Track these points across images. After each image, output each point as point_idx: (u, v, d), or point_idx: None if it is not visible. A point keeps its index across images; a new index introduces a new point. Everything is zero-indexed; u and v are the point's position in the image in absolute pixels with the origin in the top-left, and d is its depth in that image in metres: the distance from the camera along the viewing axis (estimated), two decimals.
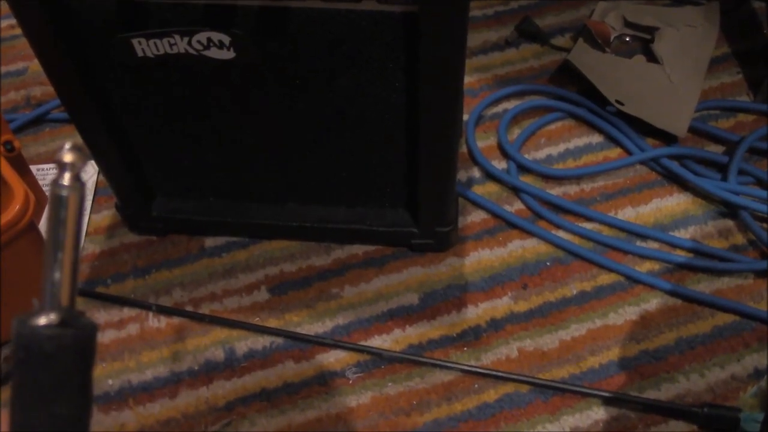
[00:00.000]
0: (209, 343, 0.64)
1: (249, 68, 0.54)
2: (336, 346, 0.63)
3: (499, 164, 0.74)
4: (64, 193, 0.22)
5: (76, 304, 0.23)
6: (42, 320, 0.22)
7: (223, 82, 0.55)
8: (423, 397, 0.60)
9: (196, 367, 0.62)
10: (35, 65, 0.86)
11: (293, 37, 0.51)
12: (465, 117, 0.77)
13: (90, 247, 0.70)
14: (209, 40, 0.51)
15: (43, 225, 0.70)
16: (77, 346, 0.22)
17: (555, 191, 0.72)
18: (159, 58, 0.53)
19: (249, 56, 0.52)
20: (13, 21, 0.90)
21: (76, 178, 0.22)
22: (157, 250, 0.69)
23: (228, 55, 0.52)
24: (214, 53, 0.52)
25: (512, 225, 0.70)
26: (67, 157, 0.22)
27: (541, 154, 0.75)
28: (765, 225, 0.68)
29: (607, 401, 0.59)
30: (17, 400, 0.22)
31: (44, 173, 0.75)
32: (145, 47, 0.52)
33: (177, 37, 0.51)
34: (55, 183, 0.22)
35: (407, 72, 0.53)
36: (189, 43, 0.51)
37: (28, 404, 0.22)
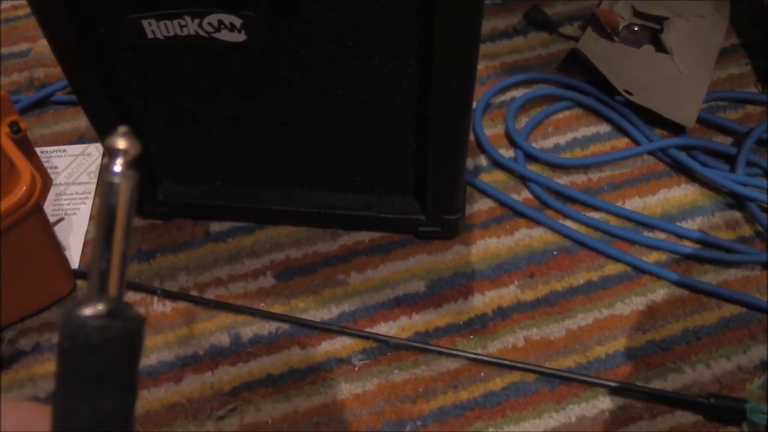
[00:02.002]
0: (214, 328, 0.63)
1: (260, 51, 0.53)
2: (342, 332, 0.63)
3: (507, 153, 0.74)
4: (116, 180, 0.21)
5: (124, 295, 0.22)
6: (89, 310, 0.21)
7: (233, 65, 0.55)
8: (429, 384, 0.60)
9: (201, 352, 0.62)
10: (39, 47, 0.85)
11: (305, 21, 0.51)
12: (473, 105, 0.76)
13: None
14: (220, 22, 0.51)
15: (48, 207, 0.69)
16: (124, 338, 0.21)
17: (562, 180, 0.72)
18: (169, 40, 0.52)
19: (260, 39, 0.52)
20: (16, 2, 0.90)
21: (129, 165, 0.21)
22: (162, 235, 0.69)
23: (239, 37, 0.52)
24: (225, 36, 0.51)
25: (519, 214, 0.69)
26: (121, 144, 0.21)
27: (549, 142, 0.75)
28: None
29: (614, 391, 0.59)
30: (60, 392, 0.21)
31: (48, 155, 0.74)
32: (155, 29, 0.51)
33: (188, 18, 0.51)
34: (107, 169, 0.21)
35: (420, 57, 0.52)
36: (200, 25, 0.51)
37: (72, 397, 0.21)
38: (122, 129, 0.21)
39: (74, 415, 0.21)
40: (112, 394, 0.21)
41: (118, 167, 0.21)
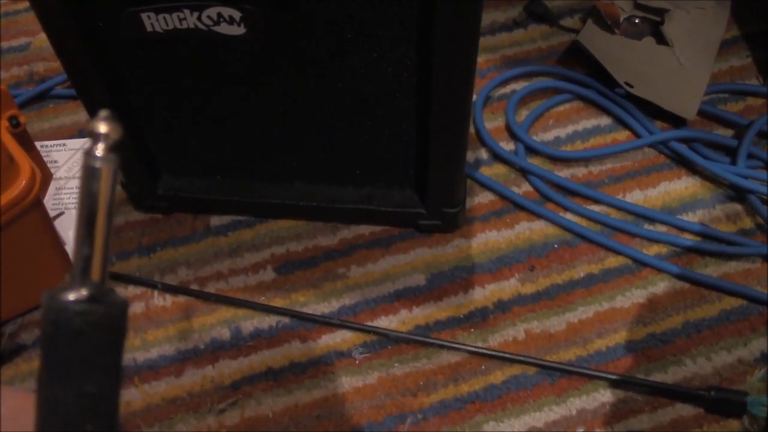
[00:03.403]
0: (215, 322, 0.63)
1: (259, 45, 0.53)
2: (342, 326, 0.63)
3: (507, 145, 0.74)
4: (98, 164, 0.21)
5: (107, 280, 0.22)
6: (71, 295, 0.21)
7: (233, 58, 0.55)
8: (430, 377, 0.60)
9: (202, 346, 0.62)
10: (38, 41, 0.85)
11: (304, 13, 0.50)
12: (473, 98, 0.76)
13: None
14: (219, 15, 0.51)
15: (48, 201, 0.69)
16: (107, 322, 0.21)
17: (563, 173, 0.72)
18: (168, 33, 0.52)
19: (259, 32, 0.52)
20: None
21: (110, 149, 0.21)
22: (163, 229, 0.69)
23: (238, 31, 0.51)
24: (224, 29, 0.51)
25: (520, 207, 0.69)
26: (102, 128, 0.21)
27: (549, 135, 0.75)
28: None
29: (614, 384, 0.59)
30: (44, 377, 0.21)
31: (48, 149, 0.74)
32: (154, 22, 0.51)
33: (187, 11, 0.50)
34: (88, 154, 0.21)
35: (419, 50, 0.52)
36: (199, 18, 0.51)
37: (56, 381, 0.21)
38: (104, 113, 0.21)
39: (58, 399, 0.21)
40: (96, 379, 0.21)
41: (99, 151, 0.21)
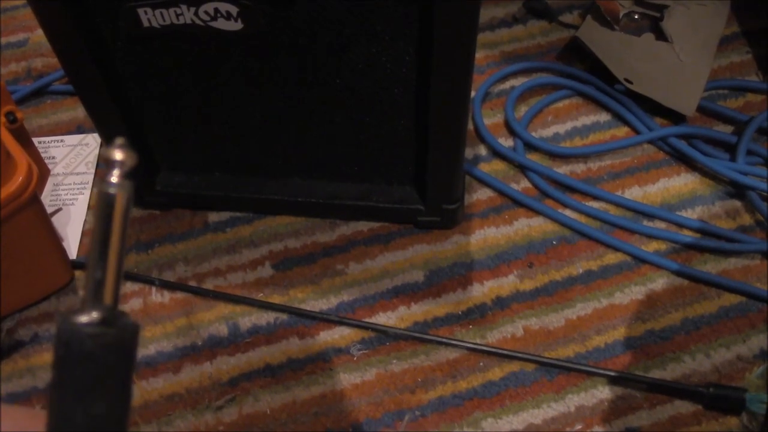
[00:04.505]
0: (213, 319, 0.63)
1: (257, 40, 0.53)
2: (340, 322, 0.63)
3: (506, 142, 0.74)
4: (112, 191, 0.22)
5: (119, 304, 0.22)
6: (84, 318, 0.22)
7: (231, 54, 0.54)
8: (428, 374, 0.60)
9: (200, 343, 0.62)
10: (36, 36, 0.85)
11: (302, 8, 0.50)
12: (472, 94, 0.76)
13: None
14: (216, 10, 0.50)
15: (45, 197, 0.69)
16: (118, 345, 0.22)
17: (562, 170, 0.71)
18: (165, 28, 0.52)
19: (257, 28, 0.51)
20: None
21: (126, 176, 0.22)
22: (161, 225, 0.69)
23: (236, 26, 0.51)
24: (221, 24, 0.51)
25: (518, 203, 0.69)
26: (118, 155, 0.22)
27: (548, 132, 0.74)
28: None
29: (613, 380, 0.59)
30: (55, 398, 0.22)
31: (46, 145, 0.74)
32: (151, 17, 0.51)
33: (183, 7, 0.50)
34: (104, 180, 0.22)
35: (418, 45, 0.52)
36: (196, 13, 0.51)
37: (66, 403, 0.22)
38: (119, 141, 0.22)
39: (68, 419, 0.22)
40: (106, 400, 0.22)
41: (114, 178, 0.22)
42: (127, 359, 0.22)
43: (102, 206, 0.22)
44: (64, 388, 0.22)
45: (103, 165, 0.22)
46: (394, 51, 0.53)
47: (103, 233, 0.22)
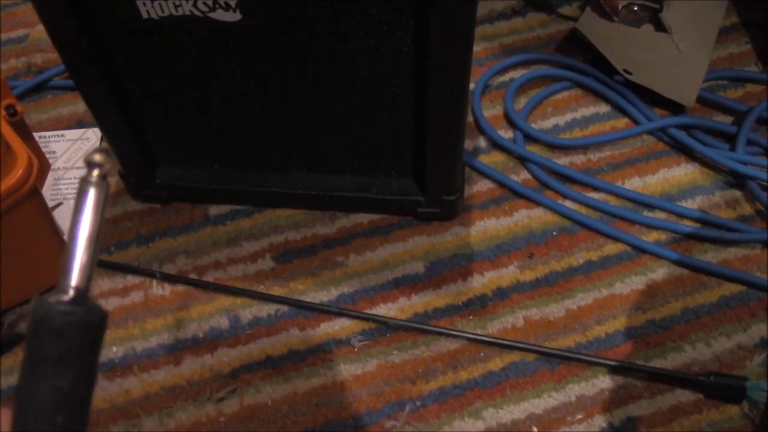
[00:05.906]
0: (214, 311, 0.63)
1: (255, 31, 0.53)
2: (341, 314, 0.63)
3: (506, 133, 0.74)
4: (90, 188, 0.25)
5: (90, 289, 0.25)
6: (55, 297, 0.24)
7: (229, 45, 0.54)
8: (429, 365, 0.60)
9: (201, 335, 0.62)
10: (36, 32, 0.85)
11: None
12: (471, 86, 0.76)
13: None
14: (215, 1, 0.50)
15: (46, 191, 0.69)
16: (86, 324, 0.24)
17: (562, 161, 0.71)
18: (164, 19, 0.52)
19: (255, 19, 0.51)
20: None
21: (102, 177, 0.25)
22: (161, 218, 0.69)
23: (234, 17, 0.51)
24: (219, 15, 0.51)
25: (518, 194, 0.69)
26: (97, 158, 0.25)
27: (548, 123, 0.74)
28: None
29: (613, 370, 0.59)
30: (25, 370, 0.24)
31: (46, 140, 0.74)
32: (149, 8, 0.51)
33: None
34: (83, 179, 0.25)
35: (416, 36, 0.52)
36: (194, 4, 0.51)
37: (34, 374, 0.24)
38: (102, 145, 0.26)
39: (34, 391, 0.24)
40: (71, 375, 0.24)
41: (93, 177, 0.25)
42: (93, 340, 0.25)
43: (80, 200, 0.25)
44: (33, 362, 0.24)
45: (85, 165, 0.25)
46: (392, 41, 0.53)
47: (78, 225, 0.25)
